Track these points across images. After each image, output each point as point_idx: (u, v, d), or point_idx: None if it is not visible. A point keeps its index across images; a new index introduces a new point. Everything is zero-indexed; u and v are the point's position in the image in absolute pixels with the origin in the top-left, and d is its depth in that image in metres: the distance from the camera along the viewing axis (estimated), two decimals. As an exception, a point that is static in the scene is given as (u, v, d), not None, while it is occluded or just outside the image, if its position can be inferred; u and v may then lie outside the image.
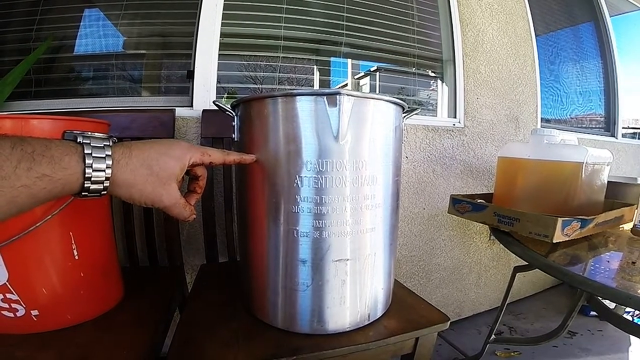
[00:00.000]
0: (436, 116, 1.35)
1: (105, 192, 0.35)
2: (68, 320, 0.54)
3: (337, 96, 0.44)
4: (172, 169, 0.39)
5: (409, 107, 0.57)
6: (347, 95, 0.44)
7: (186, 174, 0.44)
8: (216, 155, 0.45)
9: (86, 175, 0.33)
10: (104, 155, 0.34)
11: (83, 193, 0.34)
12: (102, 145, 0.35)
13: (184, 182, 0.45)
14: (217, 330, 0.54)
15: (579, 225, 0.73)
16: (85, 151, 0.33)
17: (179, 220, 0.45)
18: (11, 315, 0.50)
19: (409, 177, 1.21)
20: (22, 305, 0.50)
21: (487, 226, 1.32)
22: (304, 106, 0.45)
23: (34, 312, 0.51)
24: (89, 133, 0.35)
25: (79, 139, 0.34)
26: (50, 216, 0.47)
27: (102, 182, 0.34)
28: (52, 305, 0.52)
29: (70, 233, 0.52)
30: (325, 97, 0.45)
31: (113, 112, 0.84)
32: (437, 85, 1.37)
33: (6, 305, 0.49)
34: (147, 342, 0.52)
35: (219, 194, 0.91)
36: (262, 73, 1.11)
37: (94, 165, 0.33)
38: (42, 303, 0.51)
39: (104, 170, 0.34)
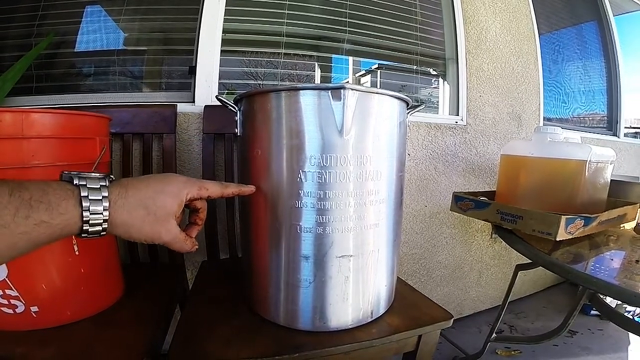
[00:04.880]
0: (438, 114, 1.35)
1: (104, 232, 0.35)
2: (68, 317, 0.53)
3: (342, 90, 0.43)
4: (170, 207, 0.39)
5: (413, 103, 0.56)
6: (352, 89, 0.44)
7: (186, 206, 0.44)
8: (214, 189, 0.45)
9: (84, 219, 0.33)
10: (100, 197, 0.34)
11: (83, 235, 0.34)
12: (99, 186, 0.34)
13: (184, 214, 0.45)
14: (218, 327, 0.53)
15: (583, 223, 0.73)
16: (82, 194, 0.33)
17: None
18: (10, 311, 0.50)
19: (411, 175, 1.21)
20: (21, 302, 0.49)
21: (488, 224, 1.32)
22: (308, 100, 0.45)
23: (34, 309, 0.50)
24: (85, 173, 0.35)
25: (75, 181, 0.34)
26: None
27: (100, 224, 0.34)
28: (51, 302, 0.51)
29: (71, 228, 0.51)
30: (329, 91, 0.44)
31: (115, 107, 0.84)
32: (439, 83, 1.37)
33: (5, 302, 0.49)
34: (148, 339, 0.51)
35: (220, 190, 0.91)
36: (263, 69, 1.11)
37: (91, 208, 0.33)
38: (42, 299, 0.50)
39: (102, 213, 0.34)
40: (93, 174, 0.35)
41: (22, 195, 0.29)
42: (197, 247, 0.45)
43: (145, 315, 0.58)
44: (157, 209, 0.38)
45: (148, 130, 0.82)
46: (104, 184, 0.35)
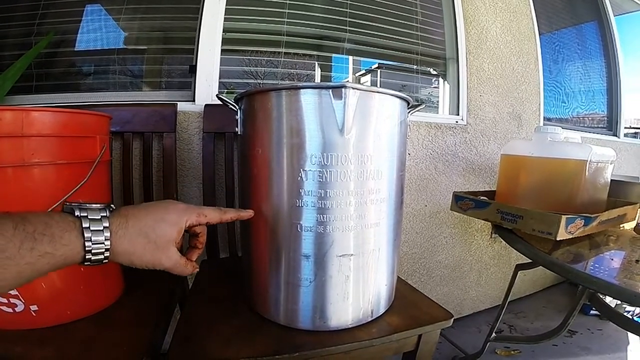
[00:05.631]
0: (439, 113, 1.35)
1: (106, 260, 0.36)
2: (67, 316, 0.53)
3: (343, 89, 0.43)
4: (170, 234, 0.40)
5: (413, 103, 0.56)
6: (353, 88, 0.44)
7: (185, 231, 0.44)
8: (212, 215, 0.46)
9: (86, 249, 0.34)
10: (101, 228, 0.35)
11: (85, 263, 0.35)
12: (100, 217, 0.36)
13: (184, 238, 0.45)
14: (218, 326, 0.53)
15: (583, 223, 0.73)
16: (83, 225, 0.34)
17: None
18: (10, 310, 0.50)
19: (411, 174, 1.21)
20: (20, 301, 0.49)
21: (488, 224, 1.32)
22: (309, 99, 0.45)
23: (33, 308, 0.50)
24: (86, 205, 0.36)
25: (77, 212, 0.35)
26: (50, 210, 0.47)
27: (102, 253, 0.35)
28: (51, 301, 0.51)
29: (71, 227, 0.51)
30: (330, 90, 0.44)
31: (115, 106, 0.84)
32: (439, 83, 1.37)
33: (5, 300, 0.49)
34: (147, 338, 0.51)
35: (220, 188, 0.90)
36: (263, 69, 1.11)
37: (92, 238, 0.34)
38: (41, 298, 0.50)
39: (103, 243, 0.35)
40: (94, 205, 0.37)
41: (26, 228, 0.30)
42: (197, 269, 0.46)
43: (145, 315, 0.57)
44: (158, 237, 0.39)
45: (148, 129, 0.82)
46: (105, 214, 0.36)
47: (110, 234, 0.36)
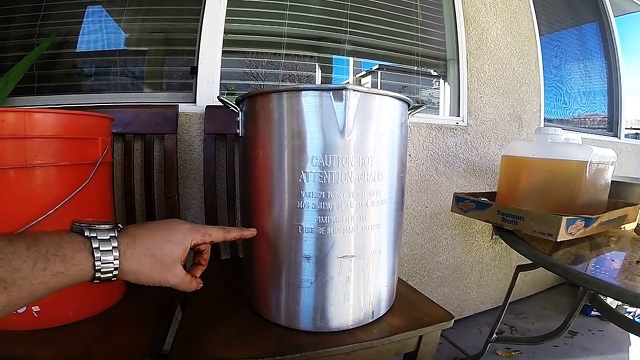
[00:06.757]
0: (439, 114, 1.35)
1: (115, 278, 0.38)
2: (69, 317, 0.53)
3: (344, 91, 0.44)
4: (175, 254, 0.42)
5: (414, 104, 0.56)
6: (354, 90, 0.44)
7: (190, 249, 0.46)
8: (216, 234, 0.47)
9: (96, 268, 0.36)
10: (110, 248, 0.37)
11: (95, 281, 0.36)
12: (108, 237, 0.37)
13: (189, 255, 0.46)
14: (219, 327, 0.53)
15: (583, 224, 0.73)
16: (93, 245, 0.36)
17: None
18: (12, 310, 0.50)
19: (412, 175, 1.21)
20: (23, 301, 0.49)
21: (489, 225, 1.32)
22: (310, 101, 0.45)
23: (35, 308, 0.50)
24: (95, 225, 0.37)
25: (86, 233, 0.36)
26: (52, 211, 0.47)
27: (111, 272, 0.37)
28: (53, 302, 0.51)
29: (73, 228, 0.51)
30: (331, 92, 0.44)
31: (116, 108, 0.84)
32: (440, 84, 1.37)
33: (7, 301, 0.49)
34: (149, 339, 0.51)
35: (221, 190, 0.91)
36: (264, 70, 1.11)
37: (102, 258, 0.36)
38: (43, 299, 0.50)
39: (112, 262, 0.37)
40: (102, 225, 0.38)
41: (38, 249, 0.31)
42: (201, 285, 0.48)
43: (146, 316, 0.58)
44: (164, 257, 0.41)
45: (149, 131, 0.82)
46: (114, 234, 0.38)
47: (119, 254, 0.37)
